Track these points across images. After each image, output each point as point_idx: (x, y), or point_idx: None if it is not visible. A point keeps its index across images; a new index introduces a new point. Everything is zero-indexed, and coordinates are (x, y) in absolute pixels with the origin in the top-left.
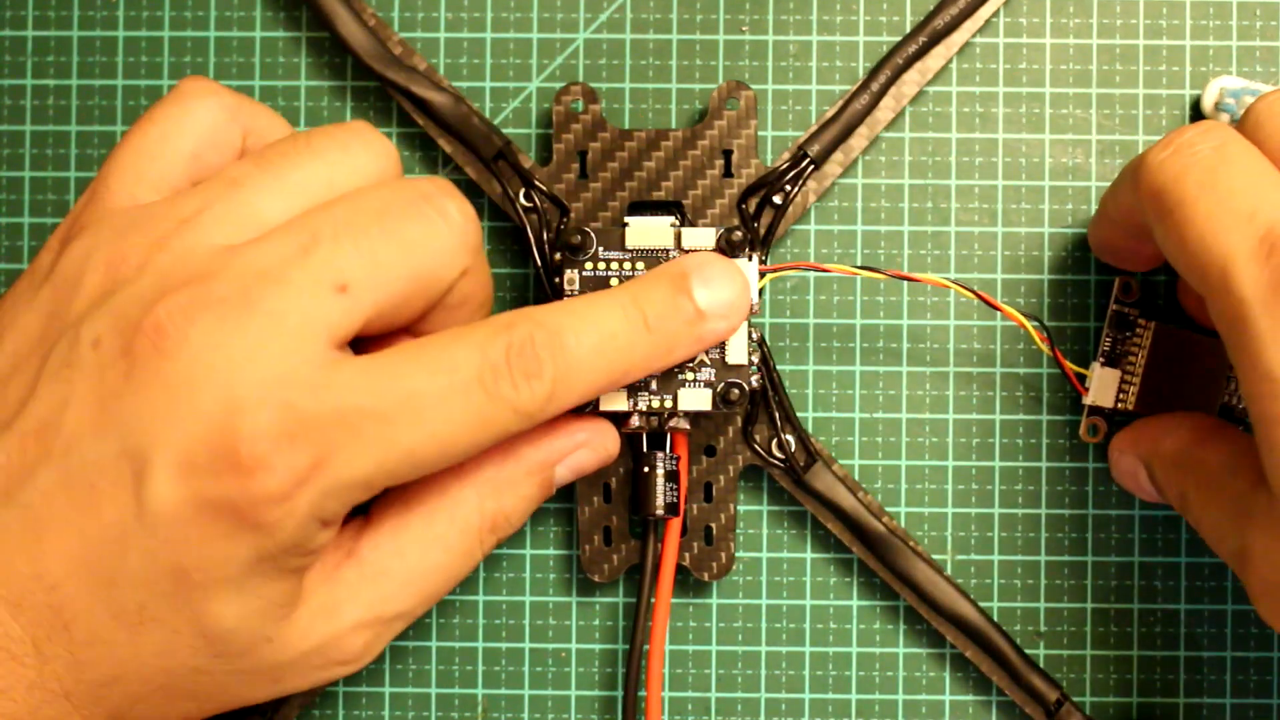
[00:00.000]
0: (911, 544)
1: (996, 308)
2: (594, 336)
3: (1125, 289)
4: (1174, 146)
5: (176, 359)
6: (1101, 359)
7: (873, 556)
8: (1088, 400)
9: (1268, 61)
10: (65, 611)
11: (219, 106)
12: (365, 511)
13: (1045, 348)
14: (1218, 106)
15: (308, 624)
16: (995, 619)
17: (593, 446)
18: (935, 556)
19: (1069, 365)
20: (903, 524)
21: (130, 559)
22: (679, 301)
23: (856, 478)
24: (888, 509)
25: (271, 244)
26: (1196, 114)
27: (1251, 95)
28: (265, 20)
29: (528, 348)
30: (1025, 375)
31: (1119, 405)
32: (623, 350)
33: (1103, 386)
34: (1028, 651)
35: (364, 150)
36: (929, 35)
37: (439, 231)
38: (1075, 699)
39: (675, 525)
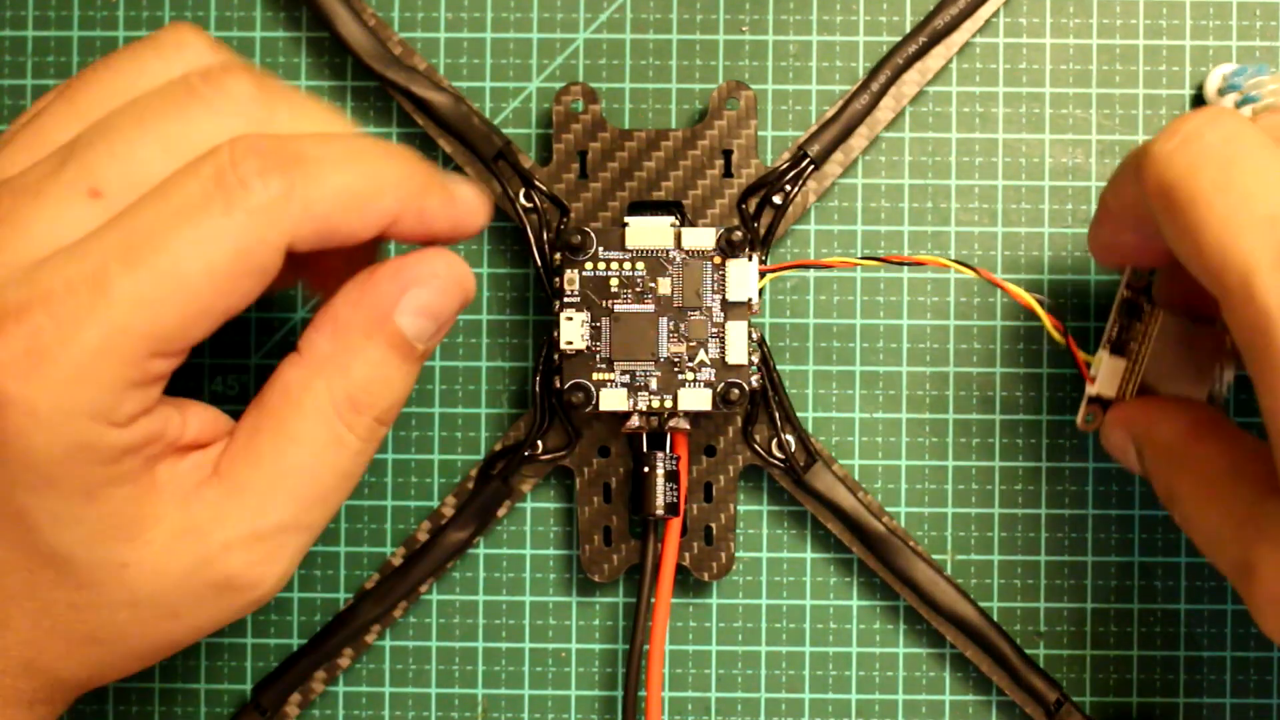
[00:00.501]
0: (911, 544)
1: (1000, 285)
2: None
3: (1136, 275)
4: (1181, 136)
5: None
6: (1108, 346)
7: (873, 556)
8: (1093, 390)
9: (1267, 61)
10: None
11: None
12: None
13: (1056, 332)
14: (1220, 91)
15: (167, 545)
16: (995, 619)
17: (429, 278)
18: (935, 556)
19: (1079, 351)
20: (903, 524)
21: None
22: (412, 154)
23: (856, 478)
24: (888, 509)
25: (40, 164)
26: (1199, 106)
27: (1255, 74)
28: (265, 20)
29: (254, 148)
30: (1025, 375)
31: (1123, 395)
32: (375, 168)
33: (1109, 375)
34: (1028, 651)
35: (157, 57)
36: (929, 35)
37: (203, 116)
38: (1075, 699)
39: (675, 525)
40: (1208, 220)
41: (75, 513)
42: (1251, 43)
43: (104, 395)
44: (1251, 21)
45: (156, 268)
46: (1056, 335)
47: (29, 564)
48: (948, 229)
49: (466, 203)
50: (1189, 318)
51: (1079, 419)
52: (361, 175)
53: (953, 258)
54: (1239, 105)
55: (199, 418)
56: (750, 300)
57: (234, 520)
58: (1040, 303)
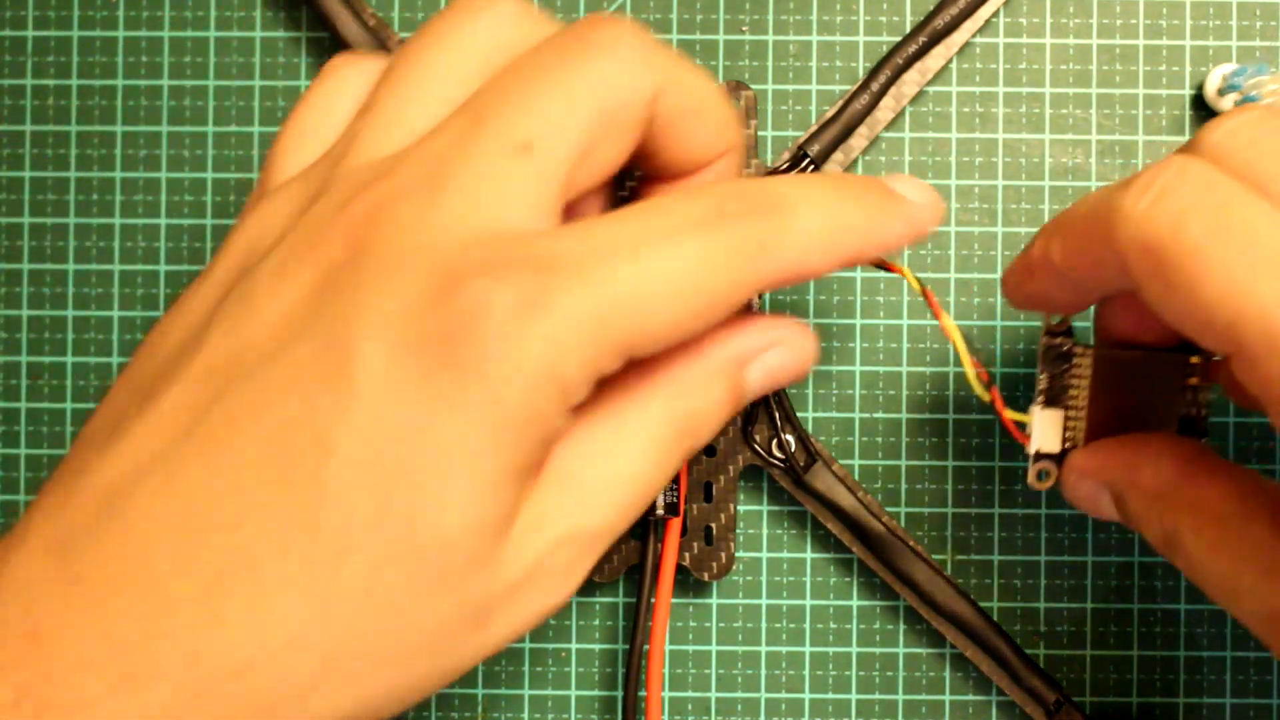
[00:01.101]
0: (911, 544)
1: (935, 314)
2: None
3: (1055, 320)
4: (1156, 190)
5: (372, 253)
6: (1040, 400)
7: (873, 556)
8: (1031, 449)
9: (1267, 61)
10: (249, 552)
11: (371, 71)
12: None
13: (978, 384)
14: (1220, 92)
15: (521, 541)
16: (995, 619)
17: (788, 345)
18: (935, 556)
19: (1007, 414)
20: (903, 524)
21: (335, 468)
22: (880, 185)
23: (856, 478)
24: (888, 509)
25: (437, 133)
26: (1199, 106)
27: (1255, 74)
28: (265, 20)
29: (740, 190)
30: (1025, 375)
31: (1066, 446)
32: (842, 207)
33: (1046, 430)
34: (1028, 651)
35: (490, 23)
36: (929, 35)
37: (603, 63)
38: (1075, 699)
39: (675, 525)
40: (1209, 273)
41: (490, 495)
42: (1251, 43)
43: (578, 371)
44: (1251, 21)
45: (657, 265)
46: (978, 388)
47: (389, 552)
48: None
49: (920, 212)
50: (1128, 347)
51: (1030, 478)
52: (835, 218)
53: (909, 268)
54: (1239, 105)
55: None
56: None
57: (566, 514)
58: (970, 344)
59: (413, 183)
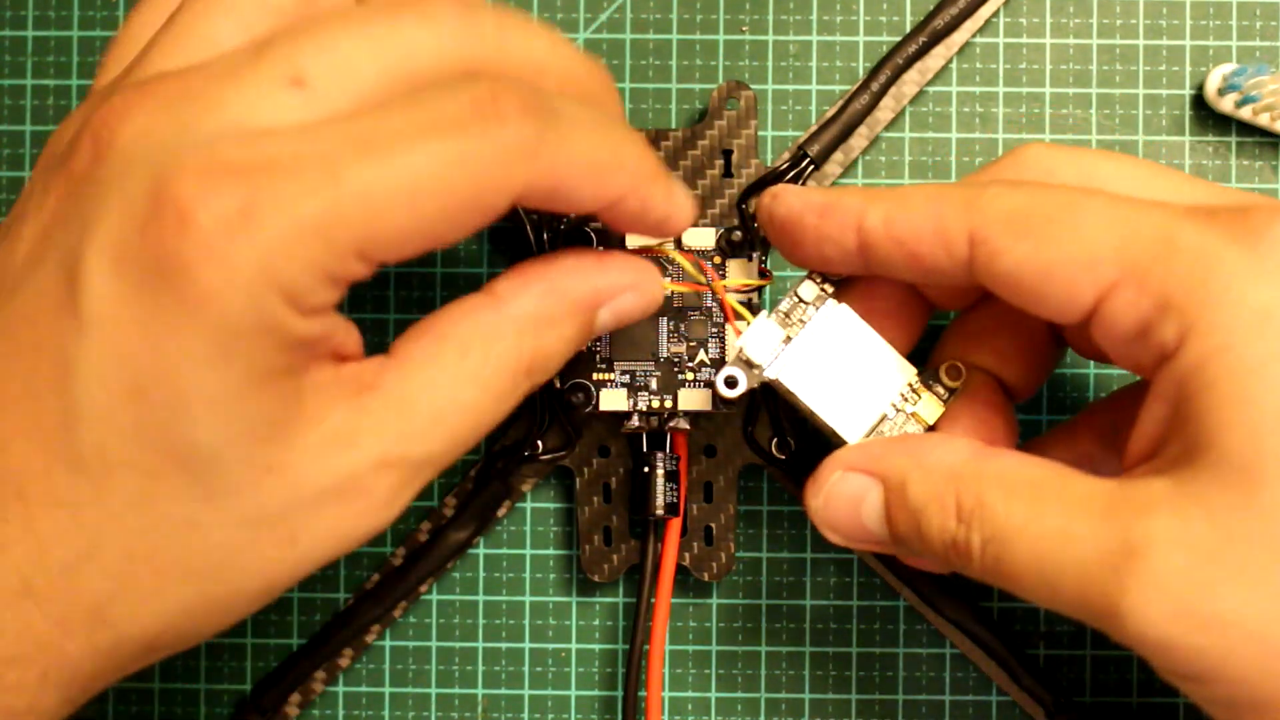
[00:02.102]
0: None
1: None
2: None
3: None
4: (1000, 176)
5: (108, 159)
6: (773, 315)
7: (872, 556)
8: (741, 341)
9: (1268, 61)
10: (17, 476)
11: None
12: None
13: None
14: (1220, 92)
15: (318, 451)
16: (995, 619)
17: (640, 290)
18: None
19: (728, 300)
20: None
21: (79, 390)
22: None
23: None
24: None
25: (224, 54)
26: (1199, 106)
27: (1255, 74)
28: None
29: (518, 90)
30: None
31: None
32: (619, 143)
33: (761, 336)
34: (1028, 651)
35: None
36: (929, 35)
37: (411, 26)
38: (1075, 699)
39: (675, 525)
40: (1090, 211)
41: (237, 402)
42: (1251, 43)
43: (302, 276)
44: (1251, 21)
45: (393, 166)
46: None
47: (155, 466)
48: None
49: (681, 201)
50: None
51: (721, 373)
52: (607, 146)
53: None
54: (1239, 105)
55: (353, 332)
56: (750, 300)
57: (392, 437)
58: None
59: (166, 91)
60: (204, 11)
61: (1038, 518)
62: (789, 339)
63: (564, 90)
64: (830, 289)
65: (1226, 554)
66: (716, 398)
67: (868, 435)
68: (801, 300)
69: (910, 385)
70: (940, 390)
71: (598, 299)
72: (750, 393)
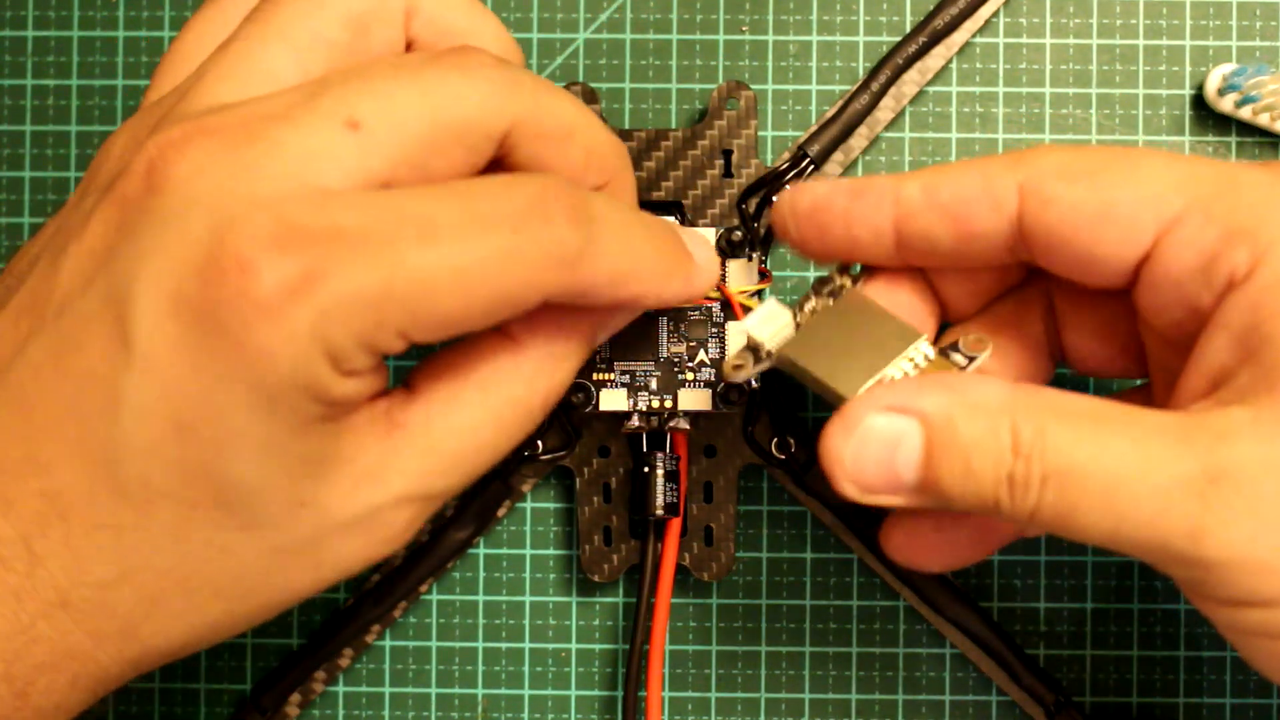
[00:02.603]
0: None
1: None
2: (623, 213)
3: (855, 268)
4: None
5: (164, 192)
6: (793, 308)
7: (873, 556)
8: (747, 322)
9: (1268, 61)
10: (61, 498)
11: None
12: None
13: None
14: (1220, 92)
15: (350, 488)
16: (995, 619)
17: (632, 310)
18: None
19: (731, 291)
20: None
21: (126, 422)
22: (677, 239)
23: None
24: None
25: (280, 93)
26: (1199, 106)
27: (1255, 74)
28: None
29: (565, 194)
30: None
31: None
32: (640, 251)
33: (769, 318)
34: (1028, 651)
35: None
36: (929, 35)
37: (457, 79)
38: (1075, 699)
39: (675, 525)
40: (1142, 165)
41: (278, 447)
42: (1251, 43)
43: (348, 344)
44: (1251, 21)
45: (451, 254)
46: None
47: (195, 499)
48: None
49: (700, 282)
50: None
51: (730, 357)
52: (630, 257)
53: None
54: (1239, 105)
55: (382, 370)
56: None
57: (415, 475)
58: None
59: (225, 128)
60: (259, 39)
61: (1107, 447)
62: (798, 325)
63: (589, 160)
64: (849, 280)
65: None
66: (717, 396)
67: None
68: (816, 293)
69: (926, 356)
70: (960, 359)
71: (599, 325)
72: (751, 393)
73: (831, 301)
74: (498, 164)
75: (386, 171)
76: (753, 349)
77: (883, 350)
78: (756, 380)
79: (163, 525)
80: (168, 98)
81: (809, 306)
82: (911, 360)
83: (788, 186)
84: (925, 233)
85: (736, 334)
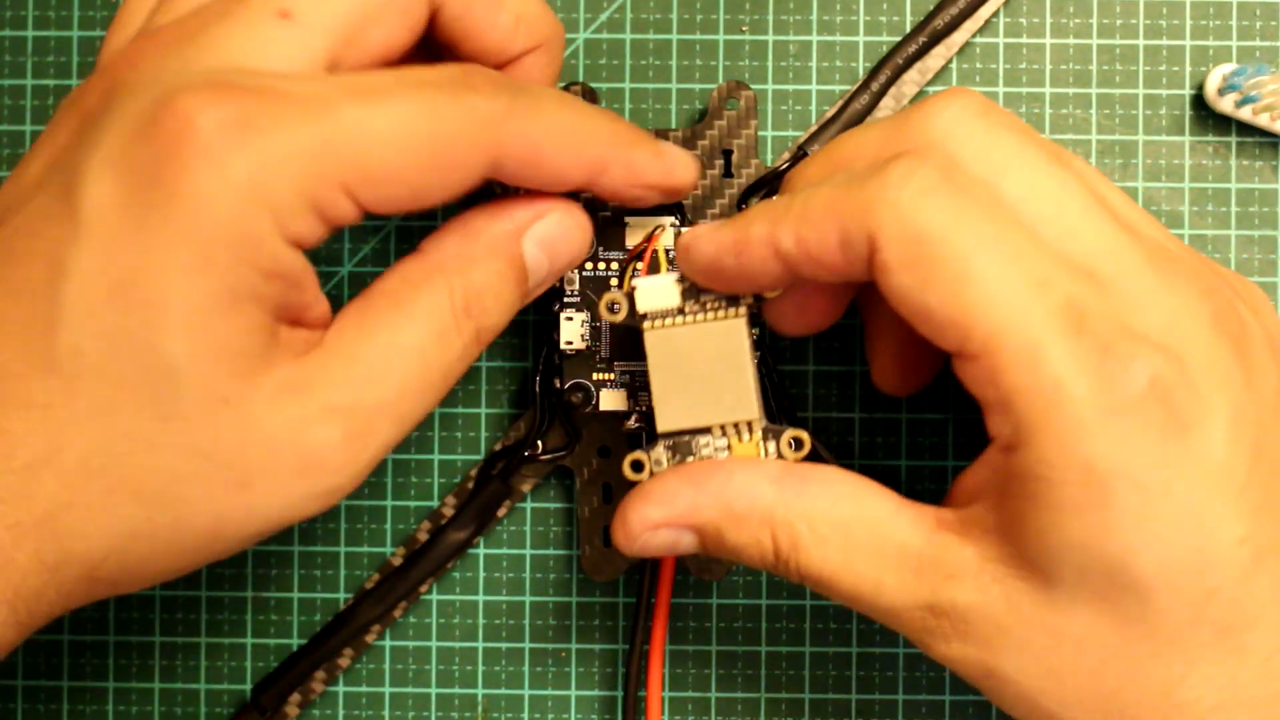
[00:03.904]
0: None
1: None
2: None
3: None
4: (918, 186)
5: (114, 95)
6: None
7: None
8: (638, 281)
9: (1268, 61)
10: None
11: None
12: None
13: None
14: (1220, 92)
15: (272, 397)
16: None
17: (557, 216)
18: None
19: (660, 255)
20: None
21: (65, 291)
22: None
23: None
24: None
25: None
26: (1199, 106)
27: (1255, 74)
28: None
29: (489, 72)
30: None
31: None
32: (589, 114)
33: (661, 288)
34: None
35: None
36: (929, 35)
37: None
38: None
39: None
40: (978, 278)
41: (208, 317)
42: (1251, 43)
43: (289, 196)
44: (1251, 21)
45: (380, 110)
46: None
47: (122, 375)
48: None
49: (675, 158)
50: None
51: (604, 300)
52: (576, 115)
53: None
54: (1239, 105)
55: (324, 305)
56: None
57: (339, 386)
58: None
59: (170, 35)
60: None
61: (849, 566)
62: (682, 313)
63: (519, 26)
64: (756, 307)
65: (1013, 631)
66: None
67: (679, 434)
68: (720, 298)
69: (749, 424)
70: (772, 449)
71: (515, 231)
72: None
73: (721, 313)
74: (429, 46)
75: (326, 51)
76: (631, 302)
77: (716, 406)
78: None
79: (88, 403)
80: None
81: (700, 304)
82: (729, 430)
83: (683, 238)
84: (812, 274)
85: (642, 286)
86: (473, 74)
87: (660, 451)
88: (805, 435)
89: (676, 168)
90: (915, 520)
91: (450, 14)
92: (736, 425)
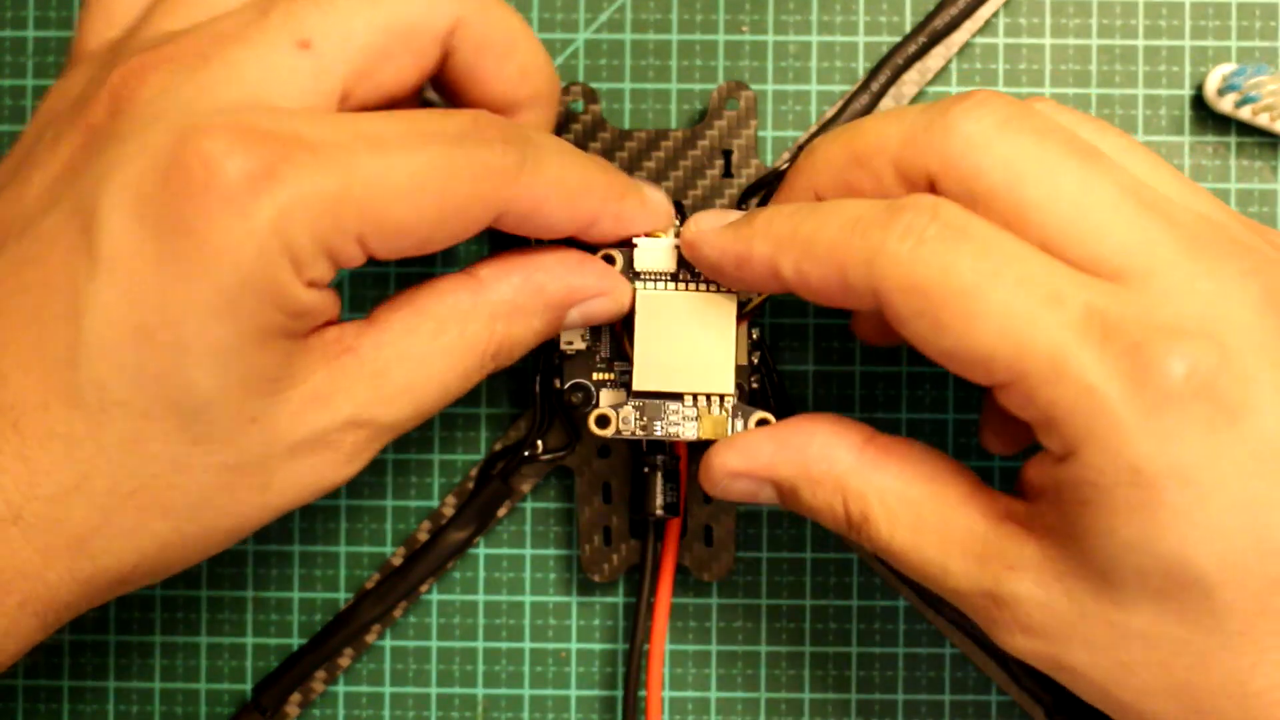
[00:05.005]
0: None
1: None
2: (558, 143)
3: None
4: (916, 236)
5: (128, 114)
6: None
7: (872, 556)
8: (642, 241)
9: (1267, 61)
10: (14, 409)
11: None
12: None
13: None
14: (1220, 92)
15: (299, 409)
16: None
17: (611, 297)
18: None
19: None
20: None
21: (87, 327)
22: (620, 171)
23: None
24: None
25: (226, 16)
26: (1199, 106)
27: (1255, 74)
28: None
29: (499, 122)
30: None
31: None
32: (585, 168)
33: (662, 250)
34: None
35: None
36: (929, 35)
37: None
38: (1075, 699)
39: (675, 525)
40: (986, 312)
41: (236, 355)
42: (1251, 43)
43: (308, 245)
44: (1251, 21)
45: (398, 163)
46: None
47: (150, 408)
48: None
49: (657, 208)
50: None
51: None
52: (576, 172)
53: None
54: (1239, 105)
55: (337, 303)
56: (750, 300)
57: (363, 401)
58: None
59: (183, 54)
60: None
61: (917, 548)
62: (675, 278)
63: (523, 79)
64: (757, 305)
65: (1077, 626)
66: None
67: (653, 396)
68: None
69: (721, 398)
70: (739, 427)
71: (570, 298)
72: (752, 392)
73: (714, 286)
74: (439, 83)
75: (340, 87)
76: (629, 261)
77: (694, 375)
78: (758, 382)
79: (116, 435)
80: (118, 40)
81: (695, 273)
82: (701, 400)
83: (690, 224)
84: (812, 299)
85: (642, 245)
86: (484, 126)
87: (629, 410)
88: (771, 418)
89: (655, 218)
90: (985, 508)
91: (462, 59)
92: (709, 397)
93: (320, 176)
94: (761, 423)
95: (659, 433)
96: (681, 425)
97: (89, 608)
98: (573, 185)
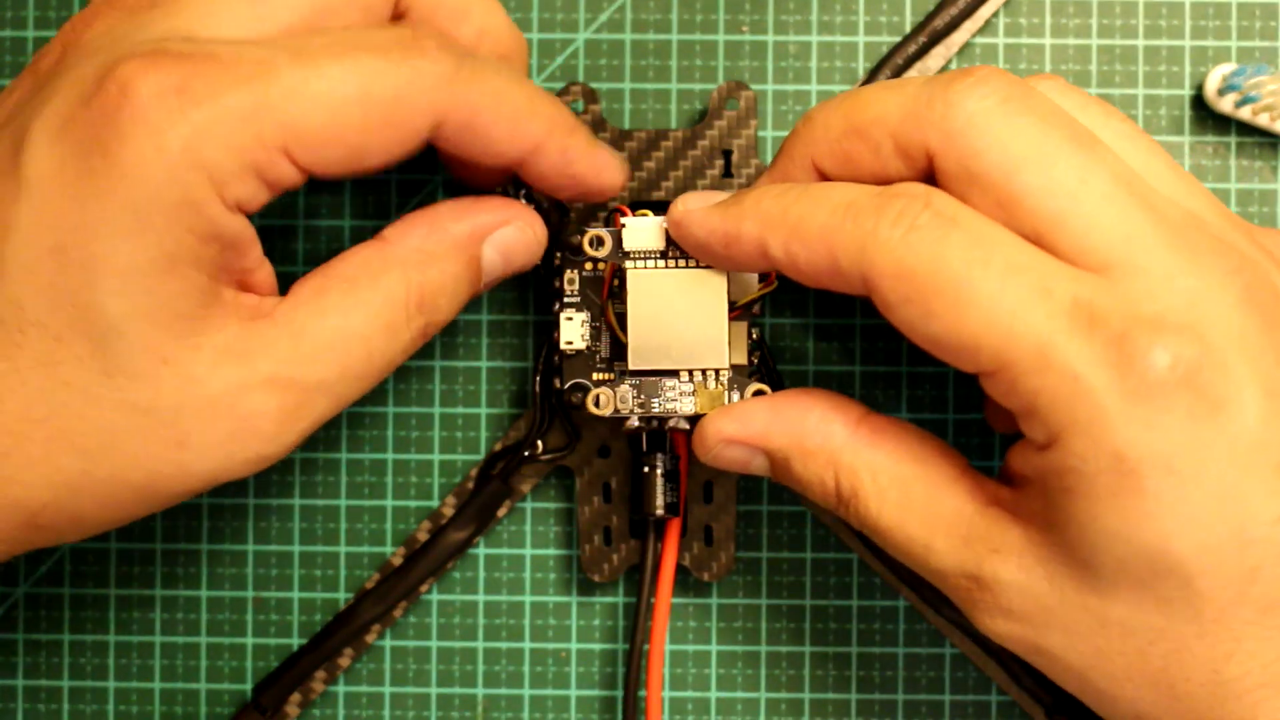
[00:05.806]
0: None
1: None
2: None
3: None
4: (908, 223)
5: (67, 55)
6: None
7: (873, 556)
8: (631, 220)
9: (1267, 61)
10: None
11: None
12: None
13: None
14: (1220, 92)
15: (214, 358)
16: None
17: (519, 225)
18: None
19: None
20: None
21: (9, 247)
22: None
23: None
24: None
25: None
26: (1199, 106)
27: (1255, 74)
28: None
29: (437, 34)
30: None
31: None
32: (533, 94)
33: (649, 230)
34: None
35: None
36: (929, 35)
37: None
38: (1074, 699)
39: (675, 525)
40: (974, 300)
41: (145, 278)
42: (1251, 43)
43: (227, 160)
44: (1251, 21)
45: (320, 72)
46: None
47: (63, 329)
48: None
49: (606, 158)
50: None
51: (590, 234)
52: (522, 93)
53: None
54: (1239, 105)
55: (269, 275)
56: (748, 296)
57: (282, 359)
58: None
59: (130, 2)
60: None
61: (903, 526)
62: (665, 256)
63: (481, 39)
64: (755, 304)
65: (1057, 611)
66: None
67: (648, 374)
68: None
69: (716, 372)
70: (735, 398)
71: (477, 233)
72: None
73: (701, 264)
74: None
75: (288, 25)
76: (617, 241)
77: (688, 351)
78: (759, 382)
79: (31, 357)
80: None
81: (684, 251)
82: (697, 375)
83: (677, 203)
84: (799, 279)
85: (630, 224)
86: (421, 36)
87: (626, 390)
88: (768, 389)
89: (606, 168)
90: (973, 491)
91: (416, 21)
92: (704, 372)
93: (236, 90)
94: (758, 394)
95: (657, 409)
96: (679, 400)
97: (5, 552)
98: (517, 104)
